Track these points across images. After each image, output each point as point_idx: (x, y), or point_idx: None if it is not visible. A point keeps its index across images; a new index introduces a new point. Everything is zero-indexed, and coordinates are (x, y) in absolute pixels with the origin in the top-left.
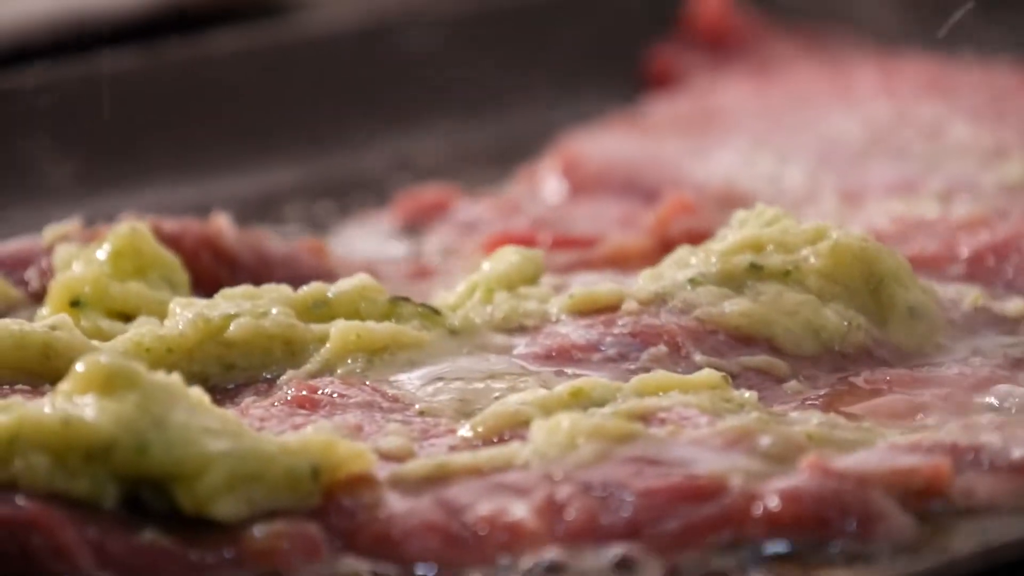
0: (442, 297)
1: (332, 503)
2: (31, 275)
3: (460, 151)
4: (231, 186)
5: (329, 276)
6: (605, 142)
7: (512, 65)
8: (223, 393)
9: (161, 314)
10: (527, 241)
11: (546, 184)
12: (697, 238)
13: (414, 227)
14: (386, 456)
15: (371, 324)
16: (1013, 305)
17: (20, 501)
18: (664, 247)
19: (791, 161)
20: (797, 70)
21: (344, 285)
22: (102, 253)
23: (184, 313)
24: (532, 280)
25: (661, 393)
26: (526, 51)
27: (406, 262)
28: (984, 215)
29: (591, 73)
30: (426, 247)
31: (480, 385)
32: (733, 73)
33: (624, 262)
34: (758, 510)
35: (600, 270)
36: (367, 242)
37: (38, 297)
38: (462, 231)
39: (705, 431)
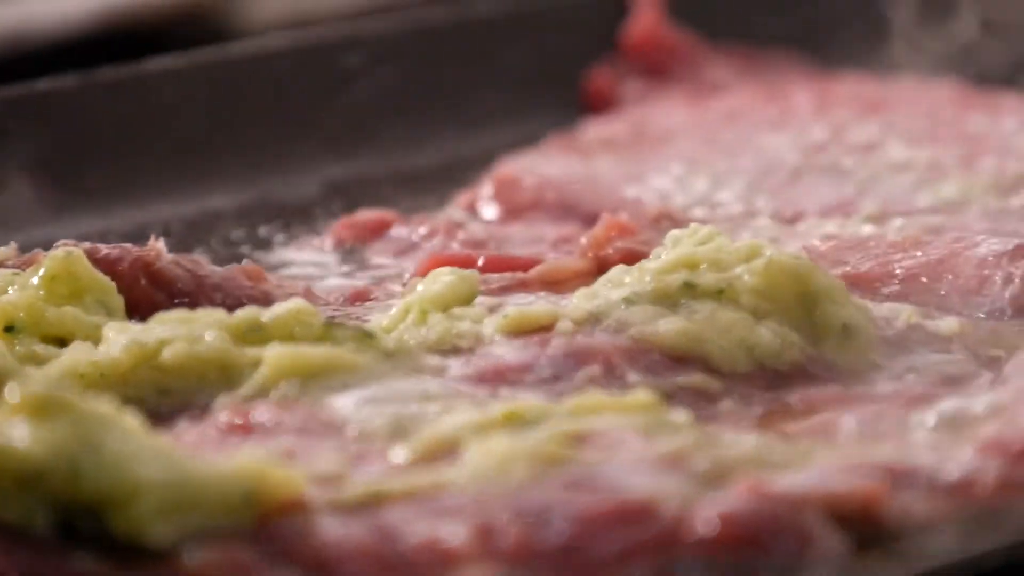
0: (377, 320)
1: (266, 528)
2: None
3: (398, 174)
4: (169, 210)
5: (265, 300)
6: (541, 165)
7: (450, 88)
8: (157, 418)
9: (96, 339)
10: (463, 263)
11: (483, 207)
12: (633, 259)
13: (352, 250)
14: (319, 480)
15: (306, 348)
16: (947, 323)
17: None
18: (600, 268)
19: (726, 182)
20: (733, 91)
21: (279, 309)
22: (37, 278)
23: (118, 338)
24: (466, 301)
25: (595, 415)
26: (464, 74)
27: (343, 285)
28: (919, 234)
29: (530, 96)
30: (363, 270)
31: (414, 408)
32: (669, 95)
33: (560, 283)
34: (693, 532)
35: (536, 291)
36: (305, 266)
37: None
38: (399, 254)
39: (639, 453)
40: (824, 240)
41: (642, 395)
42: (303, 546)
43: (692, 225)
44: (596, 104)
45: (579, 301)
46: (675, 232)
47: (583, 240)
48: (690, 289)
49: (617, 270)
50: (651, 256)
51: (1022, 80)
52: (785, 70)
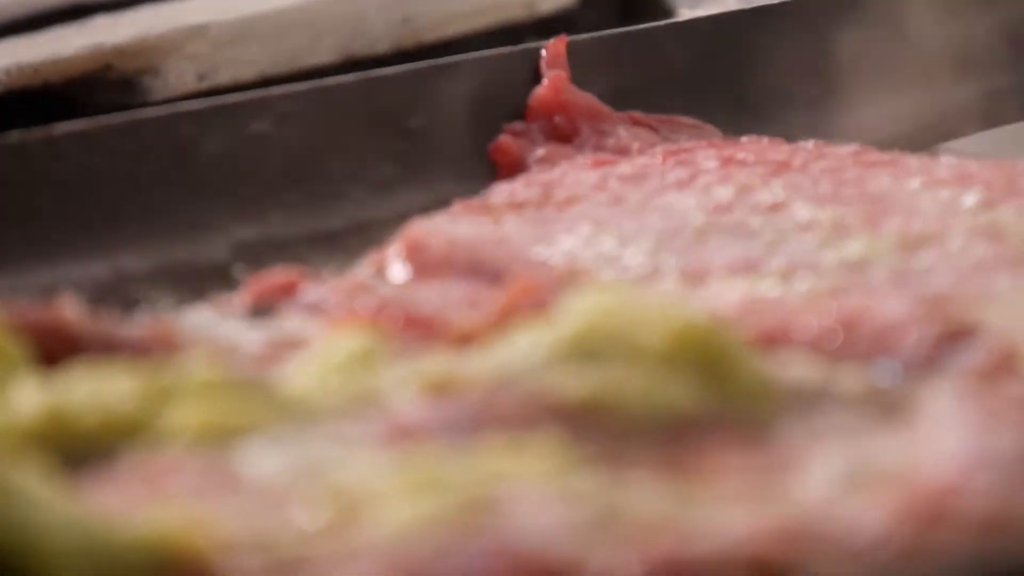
0: (286, 378)
1: None
2: None
3: (308, 236)
4: (78, 272)
5: (175, 358)
6: (451, 226)
7: (360, 151)
8: (64, 475)
9: (2, 400)
10: (373, 322)
11: (392, 267)
12: (541, 319)
13: (262, 310)
14: (228, 541)
15: (215, 405)
16: (851, 380)
17: None
18: (508, 328)
19: (633, 242)
20: (639, 154)
21: (189, 367)
22: None
23: (25, 394)
24: (375, 361)
25: (503, 475)
26: (373, 137)
27: (253, 345)
28: (825, 292)
29: (438, 159)
30: (273, 330)
31: (322, 467)
32: (576, 158)
33: (469, 343)
34: None
35: (444, 351)
36: (215, 325)
37: None
38: (309, 313)
39: (552, 514)
40: (730, 299)
41: (549, 452)
42: None
43: (599, 283)
44: (504, 168)
45: (485, 359)
46: (581, 290)
47: (492, 300)
48: (596, 346)
49: (524, 328)
50: (558, 315)
51: (924, 142)
52: (690, 134)
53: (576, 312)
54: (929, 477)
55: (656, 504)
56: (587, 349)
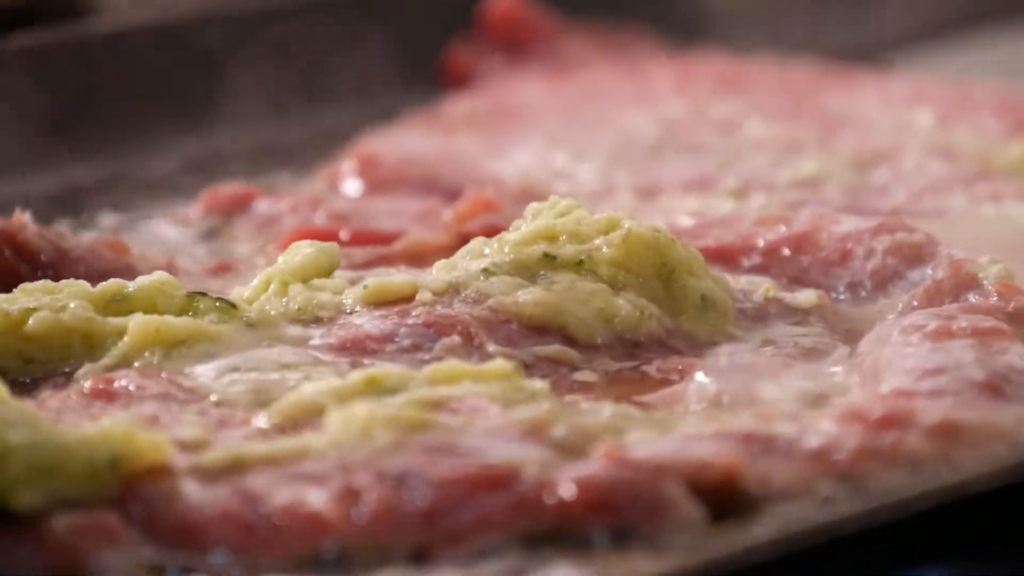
0: (239, 291)
1: (131, 493)
2: None
3: (261, 149)
4: (31, 186)
5: (129, 272)
6: (403, 140)
7: (312, 64)
8: (21, 387)
9: None
10: (326, 236)
11: (345, 182)
12: (494, 233)
13: (215, 223)
14: (183, 446)
15: (169, 318)
16: (804, 296)
17: None
18: (462, 243)
19: (587, 157)
20: (592, 68)
21: (143, 281)
22: None
23: None
24: (327, 273)
25: (453, 382)
26: (325, 51)
27: (206, 258)
28: (778, 209)
29: (391, 72)
30: (226, 243)
31: (275, 376)
32: (529, 71)
33: (422, 257)
34: (552, 498)
35: (398, 265)
36: (168, 238)
37: None
38: (262, 227)
39: (498, 421)
40: (684, 214)
41: (501, 364)
42: (167, 511)
43: (552, 198)
44: (456, 80)
45: (439, 273)
46: (535, 205)
47: (446, 215)
48: (549, 261)
49: (477, 242)
50: (511, 228)
51: (879, 56)
52: (643, 47)
53: (528, 224)
54: (880, 384)
55: (605, 413)
56: (540, 262)
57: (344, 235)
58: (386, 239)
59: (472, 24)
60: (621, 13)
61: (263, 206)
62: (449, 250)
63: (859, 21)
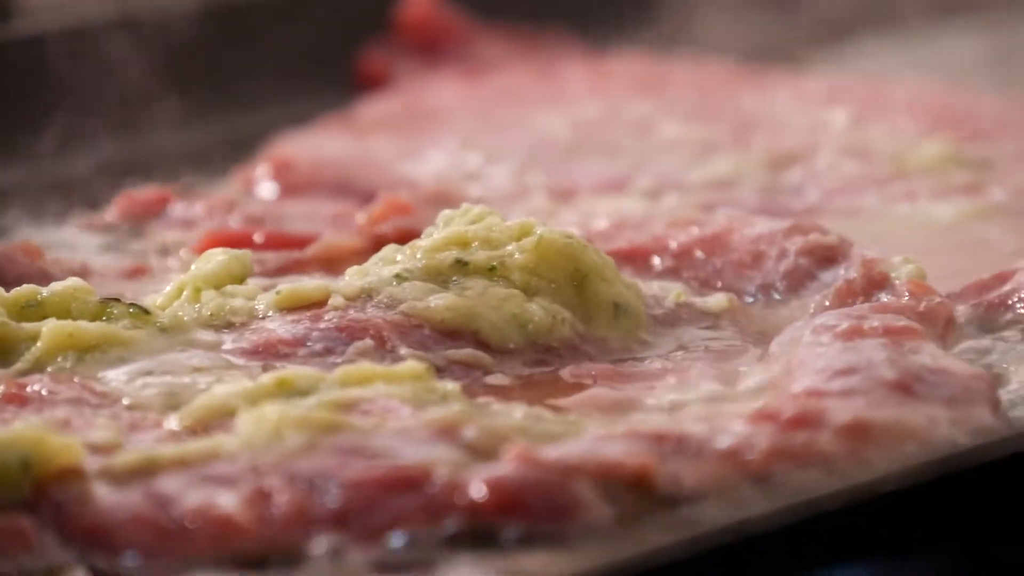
0: (152, 297)
1: (42, 496)
2: None
3: (177, 153)
4: None
5: (43, 277)
6: (318, 143)
7: (227, 67)
8: None
9: None
10: (240, 239)
11: (260, 185)
12: (408, 237)
13: (130, 227)
14: (95, 449)
15: (82, 323)
16: (715, 300)
17: None
18: (375, 247)
19: (501, 159)
20: (507, 70)
21: (57, 286)
22: None
23: None
24: (240, 279)
25: (365, 384)
26: (239, 54)
27: (121, 262)
28: (691, 210)
29: (305, 76)
30: (142, 247)
31: (188, 379)
32: (444, 74)
33: (336, 261)
34: (463, 499)
35: (312, 269)
36: (82, 243)
37: None
38: (177, 231)
39: (410, 422)
40: (597, 218)
41: (412, 365)
42: (79, 514)
43: (464, 204)
44: (370, 83)
45: (351, 278)
46: (447, 211)
47: (359, 217)
48: (462, 266)
49: (389, 248)
50: (424, 234)
51: (795, 56)
52: (558, 48)
53: (440, 230)
54: (791, 384)
55: (517, 416)
56: (452, 268)
57: (258, 238)
58: (300, 242)
59: (387, 26)
60: (536, 15)
61: (178, 210)
62: (362, 253)
63: (775, 21)
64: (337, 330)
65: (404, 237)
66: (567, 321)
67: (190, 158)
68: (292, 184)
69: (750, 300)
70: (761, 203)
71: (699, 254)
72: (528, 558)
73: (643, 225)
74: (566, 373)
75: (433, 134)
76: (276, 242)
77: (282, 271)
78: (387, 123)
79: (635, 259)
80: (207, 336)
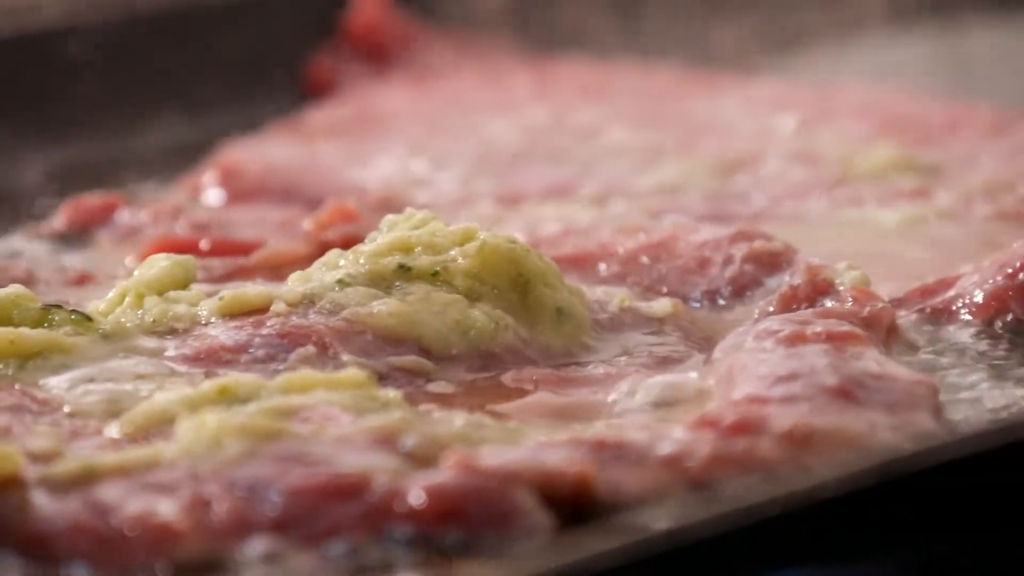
0: (96, 304)
1: None
2: None
3: (125, 159)
4: None
5: None
6: (266, 150)
7: (174, 74)
8: None
9: None
10: (186, 247)
11: (207, 192)
12: (355, 244)
13: (76, 234)
14: (35, 458)
15: (24, 330)
16: (659, 305)
17: None
18: (322, 253)
19: (448, 165)
20: (455, 76)
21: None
22: None
23: None
24: (183, 285)
25: (306, 391)
26: (187, 60)
27: (66, 270)
28: (638, 217)
29: (253, 82)
30: (88, 253)
31: (129, 386)
32: (392, 80)
33: (282, 268)
34: (402, 506)
35: (258, 276)
36: (30, 250)
37: None
38: (124, 237)
39: (350, 429)
40: (543, 223)
41: (354, 372)
42: (18, 523)
43: (408, 209)
44: (318, 90)
45: (294, 284)
46: (390, 217)
47: (306, 225)
48: (404, 272)
49: (332, 253)
50: (367, 239)
51: (744, 63)
52: (506, 54)
53: (383, 236)
54: (733, 391)
55: (458, 423)
56: (395, 273)
57: (204, 245)
58: (246, 249)
59: (335, 32)
60: (484, 21)
61: (124, 216)
62: (309, 260)
63: (721, 27)
64: (279, 336)
65: (350, 243)
66: (510, 327)
67: (137, 165)
68: (239, 191)
69: (695, 305)
70: (708, 209)
71: (645, 260)
72: (468, 565)
73: (590, 231)
74: (509, 379)
75: (381, 140)
76: (222, 249)
77: (228, 278)
78: (335, 129)
79: (581, 265)
80: (149, 343)
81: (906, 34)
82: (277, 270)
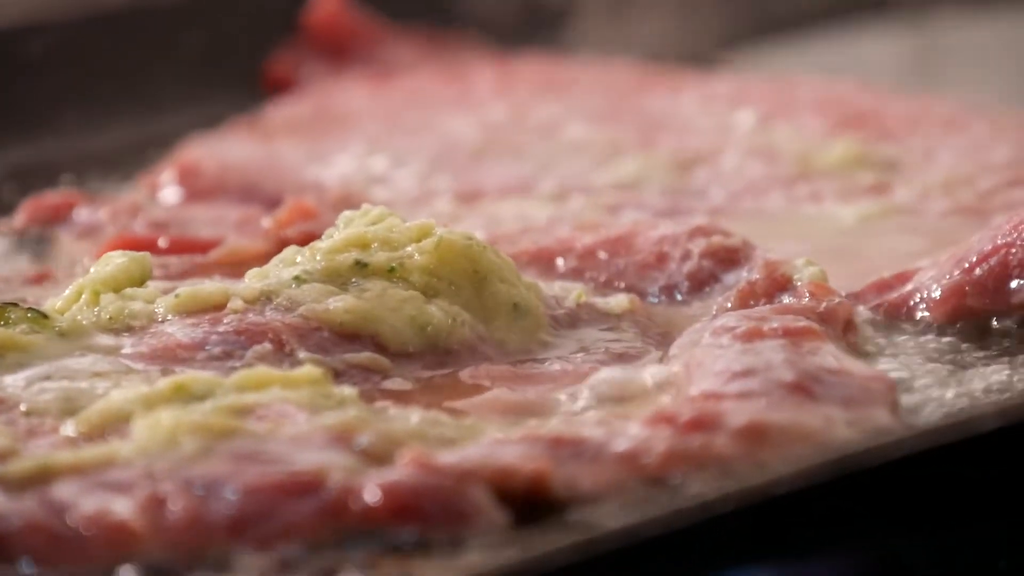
0: (52, 301)
1: None
2: None
3: (85, 157)
4: None
5: None
6: (224, 147)
7: (132, 71)
8: None
9: None
10: (144, 244)
11: (166, 189)
12: (313, 241)
13: (35, 232)
14: None
15: None
16: (616, 301)
17: None
18: (281, 251)
19: (408, 162)
20: (415, 72)
21: None
22: None
23: None
24: (139, 282)
25: (262, 389)
26: (146, 57)
27: (27, 267)
28: (597, 213)
29: (212, 79)
30: (48, 252)
31: (85, 384)
32: (352, 77)
33: (240, 266)
34: (357, 504)
35: (216, 274)
36: None
37: None
38: (83, 235)
39: (305, 427)
40: (502, 220)
41: (309, 370)
42: None
43: (364, 205)
44: (278, 87)
45: (251, 281)
46: (347, 213)
47: (265, 222)
48: (361, 268)
49: (289, 250)
50: (324, 236)
51: (703, 58)
52: (466, 51)
53: (340, 232)
54: (690, 386)
55: (414, 420)
56: (351, 270)
57: (162, 243)
58: (204, 247)
59: (294, 29)
60: (445, 17)
61: (83, 215)
62: (268, 258)
63: (683, 23)
64: (236, 333)
65: (309, 241)
66: (467, 323)
67: (96, 162)
68: (198, 189)
69: (653, 301)
70: (667, 205)
71: (603, 255)
72: (423, 563)
73: (548, 228)
74: (465, 376)
75: (340, 138)
76: (180, 247)
77: (185, 275)
78: (294, 127)
79: (540, 261)
80: (106, 340)
81: (869, 29)
82: (236, 268)
